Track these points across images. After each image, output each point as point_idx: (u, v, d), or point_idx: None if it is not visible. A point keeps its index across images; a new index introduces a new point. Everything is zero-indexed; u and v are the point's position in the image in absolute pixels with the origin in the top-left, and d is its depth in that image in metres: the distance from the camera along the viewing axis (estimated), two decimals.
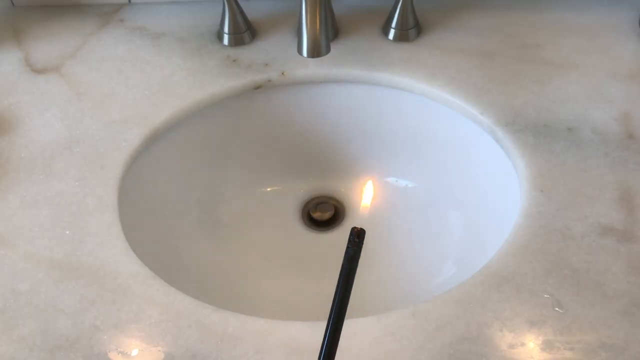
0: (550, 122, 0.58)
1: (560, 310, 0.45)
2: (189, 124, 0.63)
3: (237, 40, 0.67)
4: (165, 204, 0.64)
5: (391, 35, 0.67)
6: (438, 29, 0.68)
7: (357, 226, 0.32)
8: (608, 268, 0.48)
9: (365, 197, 0.36)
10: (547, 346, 0.44)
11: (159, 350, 0.44)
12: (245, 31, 0.67)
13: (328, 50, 0.56)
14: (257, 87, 0.65)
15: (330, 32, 0.67)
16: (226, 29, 0.67)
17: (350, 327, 0.45)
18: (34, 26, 0.72)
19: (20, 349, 0.45)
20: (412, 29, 0.66)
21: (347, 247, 0.32)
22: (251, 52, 0.67)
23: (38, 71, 0.66)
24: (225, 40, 0.67)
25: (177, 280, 0.50)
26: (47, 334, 0.46)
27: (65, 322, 0.46)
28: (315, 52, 0.55)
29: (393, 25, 0.66)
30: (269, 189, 0.73)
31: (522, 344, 0.44)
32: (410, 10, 0.66)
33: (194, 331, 0.45)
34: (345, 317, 0.32)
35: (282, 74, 0.65)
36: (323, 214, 0.71)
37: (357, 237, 0.32)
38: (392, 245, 0.68)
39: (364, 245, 0.32)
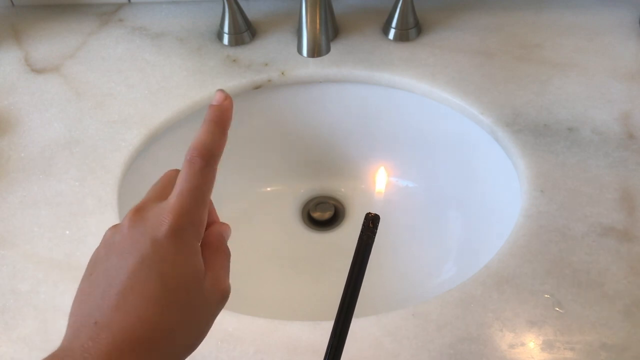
0: (550, 122, 0.58)
1: (561, 311, 0.45)
2: (188, 124, 0.63)
3: (237, 40, 0.67)
4: None
5: (391, 35, 0.67)
6: (438, 29, 0.68)
7: (371, 212, 0.32)
8: (608, 268, 0.48)
9: (378, 184, 0.36)
10: (548, 346, 0.44)
11: None
12: (245, 31, 0.67)
13: (328, 50, 0.56)
14: (257, 87, 0.65)
15: (330, 31, 0.67)
16: (226, 29, 0.67)
17: (350, 326, 0.45)
18: (34, 26, 0.72)
19: (20, 349, 0.45)
20: (412, 29, 0.66)
21: (361, 233, 0.32)
22: (251, 52, 0.67)
23: (38, 71, 0.66)
24: (225, 40, 0.67)
25: None
26: (47, 334, 0.46)
27: (65, 322, 0.46)
28: (315, 51, 0.55)
29: (393, 24, 0.66)
30: (269, 189, 0.73)
31: (523, 344, 0.44)
32: (411, 10, 0.66)
33: None
34: None
35: (282, 73, 0.65)
36: (323, 214, 0.71)
37: (372, 222, 0.31)
38: (392, 245, 0.68)
39: None
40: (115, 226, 0.31)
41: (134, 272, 0.28)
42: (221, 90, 0.33)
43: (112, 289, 0.28)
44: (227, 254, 0.33)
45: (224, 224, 0.35)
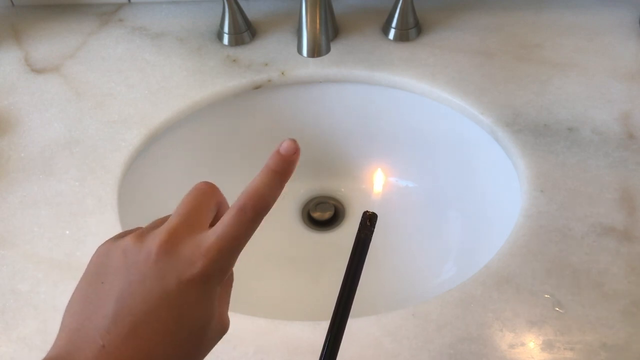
0: (550, 122, 0.58)
1: (561, 311, 0.45)
2: (188, 124, 0.63)
3: (237, 40, 0.67)
4: (165, 204, 0.64)
5: (391, 35, 0.67)
6: (438, 29, 0.68)
7: (368, 210, 0.31)
8: (608, 268, 0.48)
9: (376, 184, 0.36)
10: (548, 346, 0.44)
11: None
12: (245, 31, 0.67)
13: (328, 50, 0.56)
14: (257, 87, 0.65)
15: (330, 31, 0.67)
16: (226, 29, 0.67)
17: (350, 327, 0.45)
18: (34, 26, 0.72)
19: (20, 349, 0.45)
20: (412, 29, 0.66)
21: (358, 231, 0.31)
22: (251, 52, 0.67)
23: (38, 71, 0.66)
24: (225, 40, 0.67)
25: None
26: (47, 334, 0.46)
27: None
28: (315, 51, 0.55)
29: (393, 24, 0.66)
30: None
31: (523, 344, 0.44)
32: (411, 10, 0.66)
33: None
34: None
35: (282, 73, 0.65)
36: (323, 214, 0.71)
37: (369, 220, 0.31)
38: (392, 245, 0.68)
39: None
40: (139, 239, 0.29)
41: (153, 307, 0.27)
42: (293, 141, 0.31)
43: (127, 317, 0.27)
44: (231, 282, 0.33)
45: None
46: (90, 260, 0.30)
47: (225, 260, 0.28)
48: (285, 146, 0.31)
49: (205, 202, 0.31)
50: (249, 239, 0.29)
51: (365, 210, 0.32)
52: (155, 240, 0.28)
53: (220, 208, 0.32)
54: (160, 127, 0.61)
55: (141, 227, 0.32)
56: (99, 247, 0.31)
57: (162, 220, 0.31)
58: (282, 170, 0.30)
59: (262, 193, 0.29)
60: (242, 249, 0.29)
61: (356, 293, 0.32)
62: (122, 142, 0.59)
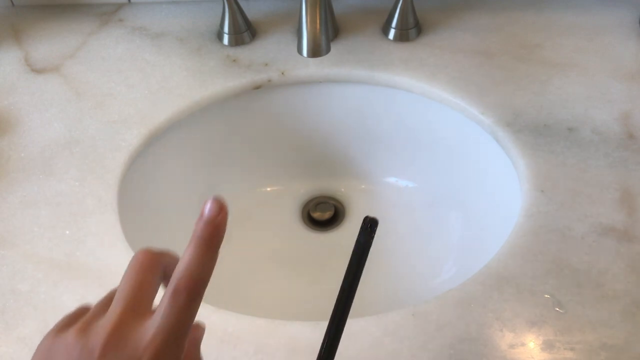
0: (550, 122, 0.58)
1: (561, 311, 0.45)
2: (188, 124, 0.63)
3: (237, 40, 0.67)
4: (165, 204, 0.64)
5: (391, 35, 0.67)
6: (438, 29, 0.68)
7: (369, 215, 0.31)
8: (608, 268, 0.48)
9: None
10: (548, 346, 0.44)
11: None
12: (245, 31, 0.67)
13: (328, 50, 0.56)
14: (257, 87, 0.65)
15: (330, 31, 0.67)
16: (226, 29, 0.67)
17: (350, 327, 0.45)
18: (34, 26, 0.72)
19: (20, 349, 0.45)
20: (412, 29, 0.66)
21: (359, 236, 0.31)
22: (251, 52, 0.67)
23: (38, 71, 0.66)
24: (225, 40, 0.67)
25: None
26: None
27: None
28: (315, 52, 0.55)
29: (393, 25, 0.66)
30: (269, 189, 0.73)
31: (523, 344, 0.44)
32: (411, 10, 0.66)
33: None
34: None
35: (282, 73, 0.65)
36: (323, 214, 0.71)
37: (370, 226, 0.31)
38: (392, 245, 0.68)
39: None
40: (81, 334, 0.27)
41: None
42: (216, 200, 0.28)
43: None
44: None
45: (198, 326, 0.32)
46: (32, 358, 0.29)
47: (170, 349, 0.27)
48: (208, 208, 0.28)
49: (148, 278, 0.29)
50: (192, 319, 0.27)
51: (366, 215, 0.31)
52: (98, 337, 0.27)
53: (166, 273, 0.30)
54: (160, 127, 0.61)
55: (84, 310, 0.31)
56: (41, 343, 0.29)
57: (103, 304, 0.30)
58: (209, 236, 0.28)
59: (192, 270, 0.27)
60: (187, 331, 0.27)
61: (356, 293, 0.32)
62: (122, 142, 0.59)
